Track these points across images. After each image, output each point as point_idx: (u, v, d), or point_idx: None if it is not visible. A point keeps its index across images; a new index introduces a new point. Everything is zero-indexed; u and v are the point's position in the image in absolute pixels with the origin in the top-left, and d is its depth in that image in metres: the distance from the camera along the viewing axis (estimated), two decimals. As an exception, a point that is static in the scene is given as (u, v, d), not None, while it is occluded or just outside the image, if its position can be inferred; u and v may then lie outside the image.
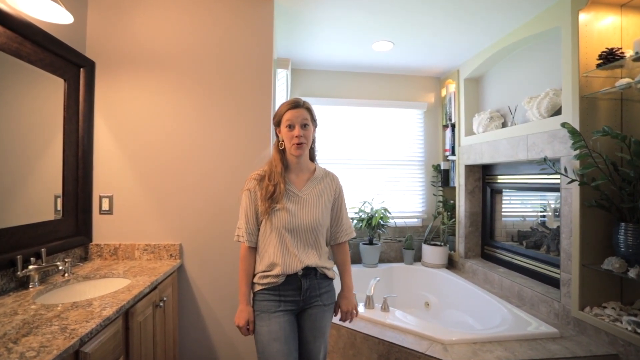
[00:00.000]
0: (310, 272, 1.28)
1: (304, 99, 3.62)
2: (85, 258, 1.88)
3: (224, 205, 1.98)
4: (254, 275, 1.30)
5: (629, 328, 1.63)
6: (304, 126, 1.26)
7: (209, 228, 1.98)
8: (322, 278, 1.31)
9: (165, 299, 1.67)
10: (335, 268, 1.40)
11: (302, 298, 1.27)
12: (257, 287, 1.28)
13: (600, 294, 1.86)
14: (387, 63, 3.07)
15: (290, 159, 1.32)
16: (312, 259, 1.27)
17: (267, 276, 1.25)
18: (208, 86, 1.99)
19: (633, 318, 1.65)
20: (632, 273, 1.65)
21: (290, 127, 1.25)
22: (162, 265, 1.81)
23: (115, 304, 1.22)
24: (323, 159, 3.26)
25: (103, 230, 1.92)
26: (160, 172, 1.96)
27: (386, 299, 2.11)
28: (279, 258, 1.24)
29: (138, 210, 1.95)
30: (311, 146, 1.36)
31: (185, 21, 1.97)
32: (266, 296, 1.25)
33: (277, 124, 1.31)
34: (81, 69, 1.81)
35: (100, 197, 1.92)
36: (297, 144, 1.25)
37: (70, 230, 1.76)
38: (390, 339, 1.77)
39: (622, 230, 1.71)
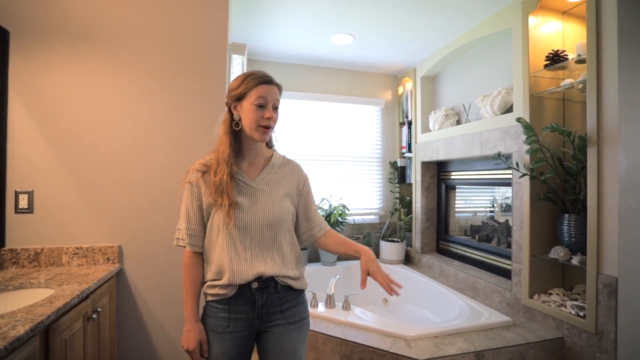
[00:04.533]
0: (267, 283, 1.04)
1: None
2: (-5, 266, 1.56)
3: (173, 203, 1.77)
4: (204, 284, 1.08)
5: (573, 312, 1.73)
6: (275, 108, 1.07)
7: (154, 228, 1.76)
8: (284, 290, 1.07)
9: (99, 309, 1.43)
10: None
11: (257, 316, 1.04)
12: (208, 298, 1.07)
13: (547, 281, 1.97)
14: (347, 58, 3.03)
15: (244, 145, 1.09)
16: (269, 266, 1.04)
17: (215, 286, 1.04)
18: (153, 68, 1.76)
19: (575, 302, 1.76)
20: (574, 260, 1.75)
21: (261, 106, 1.03)
22: (97, 271, 1.56)
23: (30, 320, 1.00)
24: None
25: (20, 232, 1.62)
26: (94, 164, 1.70)
27: (347, 298, 2.05)
28: (225, 264, 1.02)
29: (66, 208, 1.67)
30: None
31: (126, -7, 1.73)
32: (214, 310, 1.05)
33: (238, 98, 1.05)
34: (-10, 39, 1.51)
35: (17, 193, 1.61)
36: (266, 128, 1.04)
37: (-26, 232, 1.45)
38: (353, 339, 1.71)
39: (566, 221, 1.82)
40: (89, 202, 1.69)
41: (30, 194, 1.63)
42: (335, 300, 2.10)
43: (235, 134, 1.08)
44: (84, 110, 1.69)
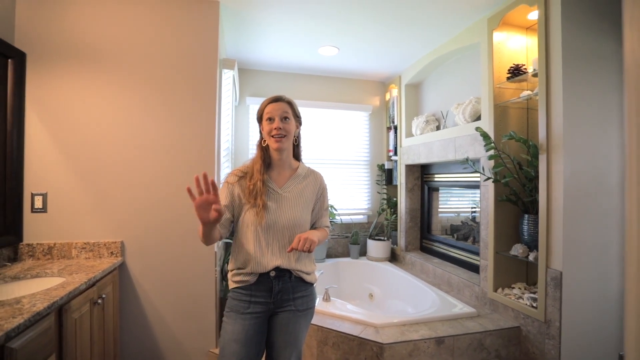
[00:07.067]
0: (283, 273, 1.24)
1: (251, 98, 3.62)
2: (14, 259, 1.79)
3: (170, 204, 1.98)
4: (229, 272, 1.29)
5: (528, 303, 1.91)
6: (284, 119, 1.25)
7: (154, 226, 1.97)
8: (297, 281, 1.27)
9: (104, 296, 1.65)
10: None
11: (273, 300, 1.24)
12: (232, 285, 1.27)
13: (510, 276, 2.14)
14: (334, 67, 3.22)
15: (273, 156, 1.30)
16: (285, 261, 1.24)
17: (240, 274, 1.24)
18: (150, 84, 1.98)
19: (532, 295, 1.93)
20: (531, 257, 1.93)
21: (270, 120, 1.25)
22: (102, 263, 1.78)
23: (47, 300, 1.22)
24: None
25: (35, 229, 1.84)
26: (99, 169, 1.92)
27: (327, 290, 2.25)
28: (251, 255, 1.23)
29: (75, 208, 1.89)
30: (296, 144, 1.36)
31: (125, 15, 1.94)
32: (238, 295, 1.24)
33: (259, 119, 1.31)
34: (9, 60, 1.73)
35: (33, 195, 1.84)
36: (277, 136, 1.24)
37: (-3, 229, 1.68)
38: (329, 326, 1.90)
39: (526, 221, 1.99)
40: (96, 203, 1.92)
41: (44, 196, 1.86)
42: (317, 292, 2.29)
43: (265, 149, 1.31)
44: (92, 121, 1.92)
